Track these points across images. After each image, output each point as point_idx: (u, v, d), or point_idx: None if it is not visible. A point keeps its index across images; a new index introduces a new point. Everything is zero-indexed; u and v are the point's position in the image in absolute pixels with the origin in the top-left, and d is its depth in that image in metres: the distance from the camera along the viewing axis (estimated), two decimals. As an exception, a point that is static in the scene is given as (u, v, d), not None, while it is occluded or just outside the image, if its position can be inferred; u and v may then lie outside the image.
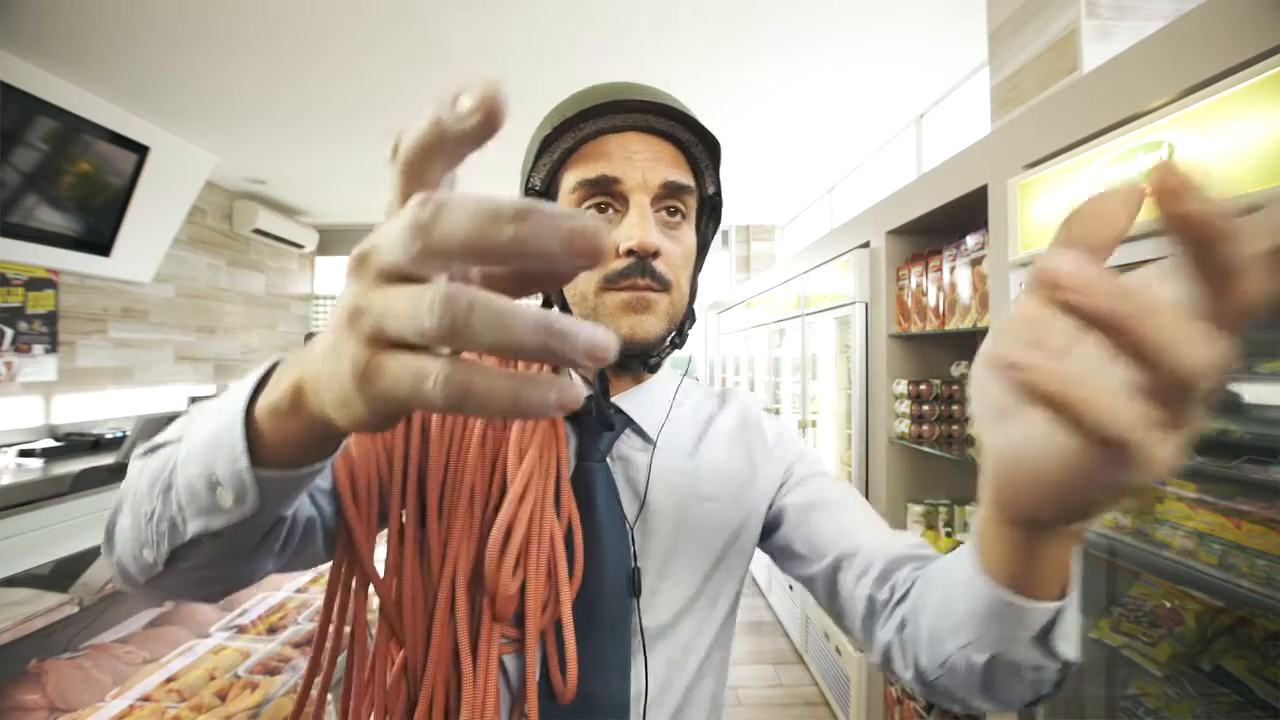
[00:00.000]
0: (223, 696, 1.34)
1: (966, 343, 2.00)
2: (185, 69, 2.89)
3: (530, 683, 0.52)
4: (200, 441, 0.35)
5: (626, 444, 0.63)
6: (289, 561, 0.51)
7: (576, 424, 0.62)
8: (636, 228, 0.55)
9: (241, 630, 1.63)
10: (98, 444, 3.24)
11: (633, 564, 0.57)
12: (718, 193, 0.65)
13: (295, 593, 1.84)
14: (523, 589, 0.52)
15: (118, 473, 2.21)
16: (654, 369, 0.65)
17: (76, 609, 1.45)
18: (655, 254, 0.56)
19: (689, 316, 0.64)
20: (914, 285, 1.93)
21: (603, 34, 2.61)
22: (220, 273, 4.85)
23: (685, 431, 0.66)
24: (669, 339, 0.62)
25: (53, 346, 3.36)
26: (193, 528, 0.36)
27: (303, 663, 1.53)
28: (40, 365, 3.29)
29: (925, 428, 1.92)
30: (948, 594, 0.44)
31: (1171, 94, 0.95)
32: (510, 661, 0.55)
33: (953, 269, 1.73)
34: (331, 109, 3.36)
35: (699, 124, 0.59)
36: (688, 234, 0.61)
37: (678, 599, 0.59)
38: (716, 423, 0.68)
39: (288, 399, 0.31)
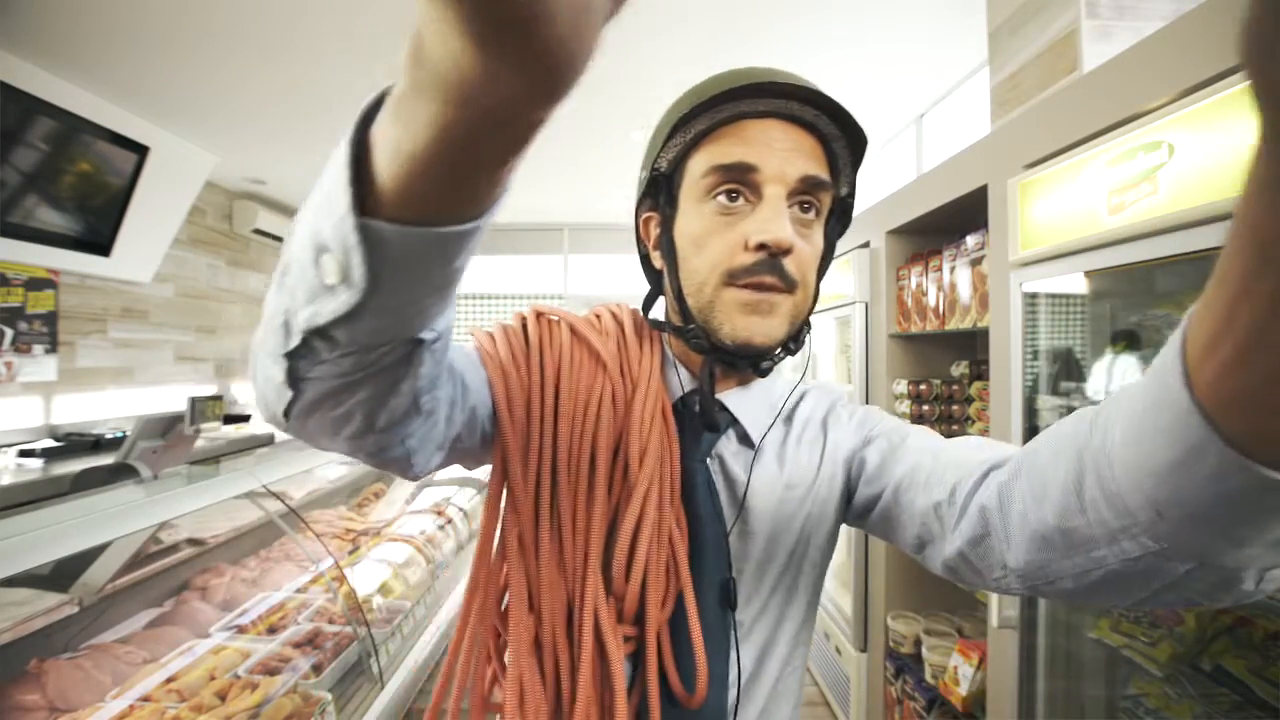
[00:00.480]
0: (223, 696, 1.34)
1: (966, 343, 2.00)
2: (185, 69, 2.89)
3: (652, 685, 0.52)
4: (311, 201, 0.29)
5: (723, 443, 0.61)
6: (453, 442, 0.48)
7: (679, 418, 0.59)
8: (771, 221, 0.52)
9: (241, 630, 1.63)
10: (98, 444, 3.24)
11: (729, 574, 0.56)
12: (851, 194, 0.62)
13: (295, 593, 1.84)
14: (644, 588, 0.52)
15: (118, 472, 2.21)
16: (764, 373, 0.62)
17: (76, 609, 1.45)
18: (788, 251, 0.52)
19: (807, 322, 0.60)
20: (914, 285, 1.93)
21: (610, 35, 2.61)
22: (220, 273, 4.85)
23: (780, 434, 0.63)
24: (790, 340, 0.58)
25: (53, 346, 3.36)
26: (301, 319, 0.30)
27: (303, 663, 1.53)
28: (40, 365, 3.29)
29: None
30: (1118, 488, 0.31)
31: (1171, 94, 0.95)
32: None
33: (953, 269, 1.73)
34: (332, 109, 3.36)
35: (849, 117, 0.55)
36: (818, 234, 0.57)
37: (762, 597, 0.59)
38: (800, 416, 0.66)
39: (406, 68, 0.22)
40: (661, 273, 0.61)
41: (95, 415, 3.61)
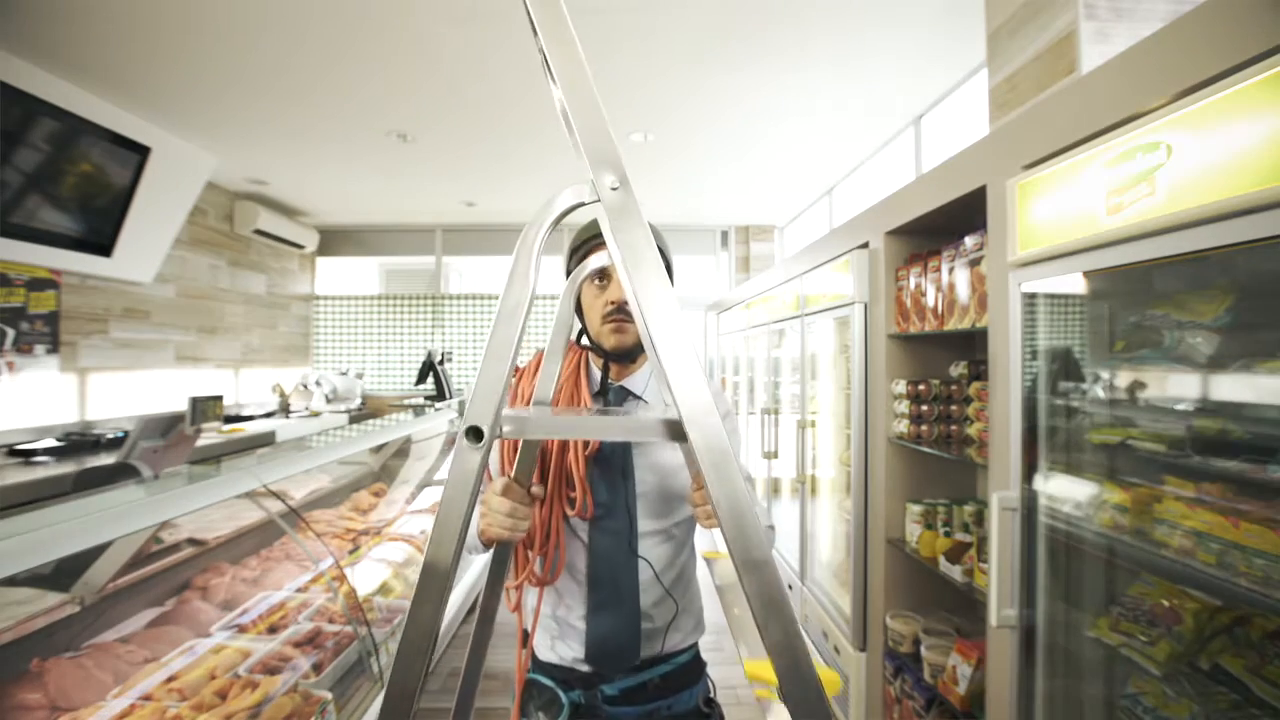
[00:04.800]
0: (223, 696, 1.34)
1: (965, 343, 2.01)
2: (186, 70, 2.89)
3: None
4: (471, 543, 0.92)
5: (630, 403, 1.10)
6: None
7: (603, 395, 1.11)
8: (613, 291, 1.05)
9: (242, 630, 1.64)
10: (99, 443, 3.24)
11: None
12: (668, 264, 1.06)
13: (296, 592, 1.85)
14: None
15: (119, 472, 2.21)
16: (635, 362, 1.13)
17: (78, 608, 1.46)
18: (625, 303, 1.03)
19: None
20: (913, 286, 1.93)
21: (601, 35, 2.61)
22: (221, 273, 4.86)
23: (656, 387, 1.10)
24: (640, 347, 1.08)
25: (54, 347, 3.37)
26: (476, 549, 0.94)
27: (303, 662, 1.53)
28: (42, 365, 3.30)
29: (924, 428, 1.92)
30: None
31: (1169, 95, 0.95)
32: None
33: (951, 269, 1.73)
34: (332, 111, 3.37)
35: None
36: None
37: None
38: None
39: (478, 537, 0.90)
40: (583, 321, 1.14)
41: (97, 415, 3.62)
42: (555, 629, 1.05)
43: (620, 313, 1.05)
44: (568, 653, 1.04)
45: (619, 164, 0.59)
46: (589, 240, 1.07)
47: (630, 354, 1.09)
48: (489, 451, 0.60)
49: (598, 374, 1.11)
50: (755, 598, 0.52)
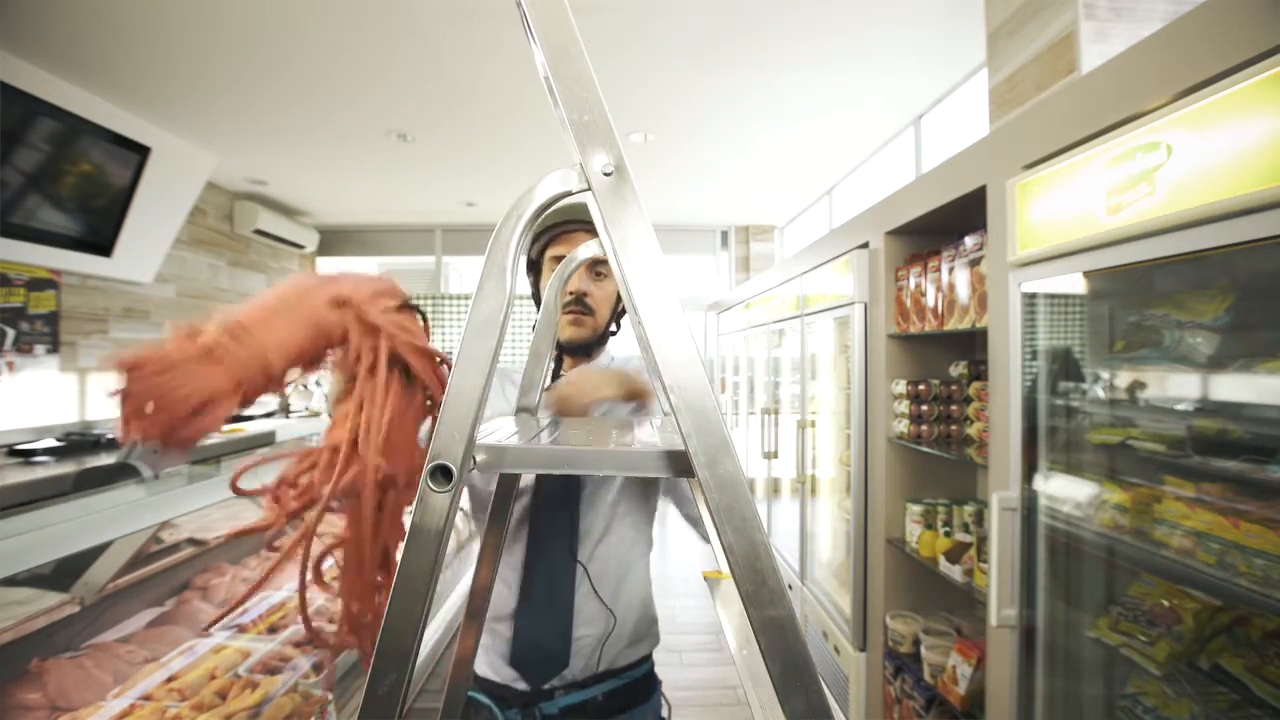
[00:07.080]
0: (223, 696, 1.34)
1: (965, 343, 2.01)
2: (186, 70, 2.89)
3: None
4: None
5: None
6: None
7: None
8: (574, 281, 1.04)
9: (242, 630, 1.64)
10: (98, 444, 3.24)
11: None
12: None
13: (296, 592, 1.84)
14: None
15: (119, 472, 2.21)
16: (590, 357, 1.11)
17: (78, 608, 1.46)
18: (585, 295, 1.05)
19: (608, 329, 1.11)
20: (913, 286, 1.93)
21: (600, 35, 2.61)
22: (221, 273, 4.86)
23: None
24: (596, 341, 1.09)
25: (54, 346, 3.37)
26: None
27: (304, 662, 1.53)
28: (42, 365, 3.30)
29: (924, 427, 1.92)
30: None
31: (1169, 95, 0.95)
32: None
33: (951, 269, 1.73)
34: (332, 111, 3.37)
35: None
36: (609, 284, 1.07)
37: None
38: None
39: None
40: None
41: (97, 415, 3.62)
42: (486, 638, 0.98)
43: (579, 305, 1.04)
44: (501, 667, 0.98)
45: (613, 142, 0.49)
46: (554, 227, 1.03)
47: (585, 348, 1.07)
48: (459, 496, 0.49)
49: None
50: (774, 660, 0.44)
